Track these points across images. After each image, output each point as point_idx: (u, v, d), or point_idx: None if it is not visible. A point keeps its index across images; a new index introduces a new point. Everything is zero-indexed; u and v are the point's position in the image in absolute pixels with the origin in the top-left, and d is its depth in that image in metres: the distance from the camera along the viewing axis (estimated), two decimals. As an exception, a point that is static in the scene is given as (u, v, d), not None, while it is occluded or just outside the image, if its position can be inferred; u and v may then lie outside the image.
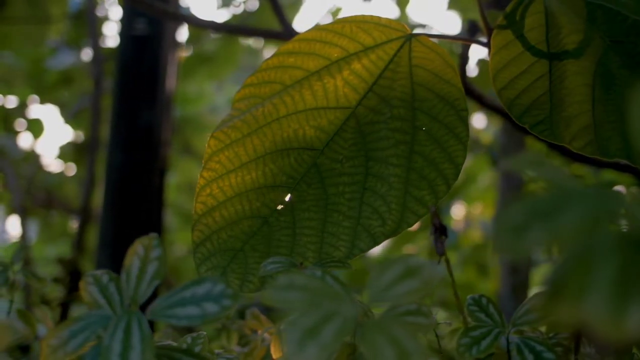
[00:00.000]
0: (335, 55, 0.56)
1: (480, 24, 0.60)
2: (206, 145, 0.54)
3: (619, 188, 2.22)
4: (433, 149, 0.52)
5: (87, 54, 2.17)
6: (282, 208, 0.53)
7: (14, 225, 3.72)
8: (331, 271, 0.36)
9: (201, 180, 0.53)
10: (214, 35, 2.29)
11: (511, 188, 1.75)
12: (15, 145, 2.08)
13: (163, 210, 1.41)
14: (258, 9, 2.27)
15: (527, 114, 0.51)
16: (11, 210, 2.30)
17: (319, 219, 0.52)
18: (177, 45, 1.50)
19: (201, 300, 0.37)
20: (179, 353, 0.40)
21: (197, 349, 0.46)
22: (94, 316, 0.38)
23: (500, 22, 0.56)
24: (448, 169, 0.52)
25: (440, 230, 0.44)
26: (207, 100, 2.78)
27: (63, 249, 2.46)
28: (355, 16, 0.57)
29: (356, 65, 0.55)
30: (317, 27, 0.56)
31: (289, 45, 0.56)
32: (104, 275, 0.41)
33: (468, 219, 2.82)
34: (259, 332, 0.68)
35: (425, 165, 0.52)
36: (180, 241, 2.50)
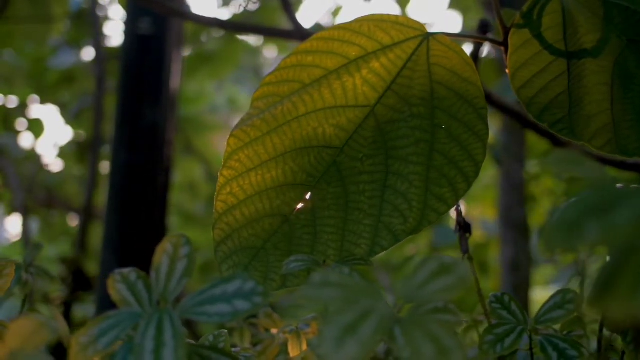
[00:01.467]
0: (354, 54, 0.56)
1: (496, 22, 0.60)
2: (226, 143, 0.54)
3: (620, 186, 2.23)
4: (453, 147, 0.52)
5: (87, 54, 2.17)
6: (302, 206, 0.53)
7: (13, 225, 3.72)
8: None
9: (221, 179, 0.53)
10: (214, 35, 2.29)
11: (512, 187, 1.75)
12: (16, 144, 2.08)
13: (167, 210, 1.40)
14: (259, 9, 2.27)
15: (546, 112, 0.52)
16: (12, 210, 2.29)
17: (340, 217, 0.52)
18: (181, 44, 1.50)
19: (232, 298, 0.37)
20: (207, 350, 0.40)
21: (219, 347, 0.46)
22: (124, 314, 0.38)
23: (517, 21, 0.56)
24: (468, 167, 0.52)
25: (465, 228, 0.44)
26: (206, 100, 2.78)
27: (63, 248, 2.46)
28: (373, 15, 0.57)
29: (375, 64, 0.55)
30: (335, 26, 0.57)
31: (307, 44, 0.57)
32: (131, 273, 0.41)
33: (468, 218, 2.82)
34: (272, 330, 0.68)
35: (445, 164, 0.52)
36: (181, 240, 2.49)
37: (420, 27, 0.57)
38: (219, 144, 2.79)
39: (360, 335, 0.28)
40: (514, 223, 1.77)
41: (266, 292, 0.37)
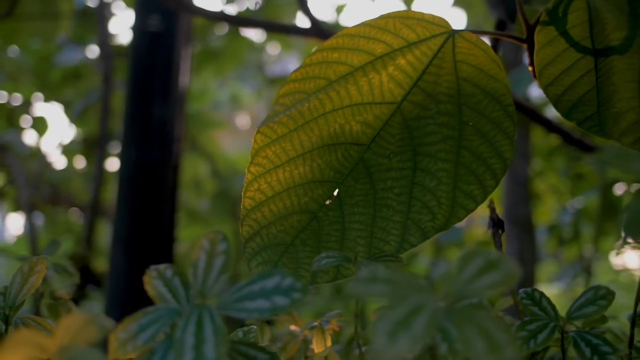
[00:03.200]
0: (379, 50, 0.56)
1: (520, 20, 0.60)
2: (253, 140, 0.54)
3: (620, 185, 2.23)
4: (480, 144, 0.52)
5: (92, 51, 2.17)
6: (330, 203, 0.53)
7: (14, 222, 3.71)
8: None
9: (249, 176, 0.53)
10: (217, 32, 2.29)
11: (517, 184, 1.75)
12: (22, 141, 2.08)
13: (177, 207, 1.40)
14: (263, 6, 2.27)
15: (575, 110, 0.52)
16: (16, 206, 2.29)
17: (368, 214, 0.52)
18: (189, 41, 1.50)
19: (270, 294, 0.37)
20: (244, 346, 0.40)
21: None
22: (162, 310, 0.38)
23: (543, 18, 0.56)
24: (496, 164, 0.52)
25: (498, 224, 0.44)
26: (209, 97, 2.78)
27: (67, 245, 2.46)
28: (399, 12, 0.57)
29: (401, 61, 0.55)
30: (361, 23, 0.57)
31: (333, 41, 0.57)
32: (167, 270, 0.41)
33: (472, 216, 2.82)
34: (291, 327, 0.68)
35: (473, 160, 0.52)
36: (185, 238, 2.50)
37: (445, 24, 0.57)
38: (222, 141, 2.79)
39: (413, 330, 0.28)
40: (519, 220, 1.77)
41: (304, 288, 0.37)
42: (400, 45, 0.56)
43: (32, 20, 1.53)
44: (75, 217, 2.46)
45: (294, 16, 2.40)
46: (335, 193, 0.53)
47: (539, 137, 2.03)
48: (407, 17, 0.57)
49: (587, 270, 1.95)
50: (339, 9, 2.61)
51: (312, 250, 0.52)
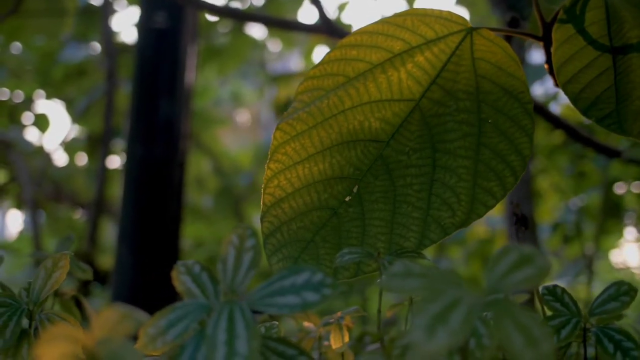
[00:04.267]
0: (398, 48, 0.56)
1: (536, 17, 0.61)
2: (272, 137, 0.54)
3: (621, 184, 2.23)
4: (499, 141, 0.53)
5: (95, 48, 2.17)
6: (350, 199, 0.53)
7: (14, 220, 3.71)
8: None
9: (268, 172, 0.53)
10: (221, 30, 2.29)
11: (519, 182, 1.76)
12: (25, 139, 2.08)
13: (183, 204, 1.41)
14: (264, 3, 2.27)
15: (594, 107, 0.52)
16: (18, 203, 2.29)
17: (388, 210, 0.52)
18: (195, 38, 1.50)
19: (301, 289, 0.37)
20: (273, 342, 0.40)
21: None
22: (191, 305, 0.39)
23: (561, 16, 0.57)
24: (515, 161, 0.52)
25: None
26: (211, 94, 2.78)
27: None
28: (416, 9, 0.57)
29: (419, 58, 0.56)
30: (379, 20, 0.57)
31: (351, 38, 0.57)
32: (195, 265, 0.41)
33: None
34: (305, 324, 0.69)
35: (493, 157, 0.52)
36: (187, 235, 2.50)
37: (463, 21, 0.57)
38: (223, 139, 2.80)
39: (451, 324, 0.29)
40: (521, 218, 1.77)
41: (334, 283, 0.37)
42: (419, 43, 0.56)
43: (37, 17, 1.52)
44: (78, 214, 2.46)
45: (295, 14, 2.40)
46: (354, 190, 0.53)
47: (542, 135, 2.04)
48: (424, 15, 0.57)
49: (589, 268, 1.95)
50: (341, 7, 2.61)
51: (332, 247, 0.52)
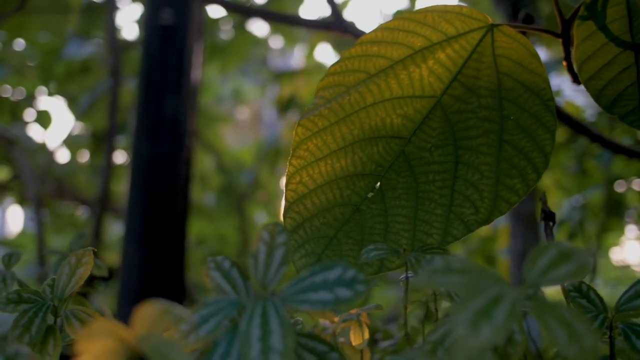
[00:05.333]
0: (419, 44, 0.56)
1: (555, 14, 0.61)
2: (294, 133, 0.54)
3: (621, 182, 2.23)
4: (522, 138, 0.53)
5: (99, 45, 2.16)
6: (372, 196, 0.53)
7: (14, 217, 3.70)
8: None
9: (290, 168, 0.53)
10: (224, 27, 2.29)
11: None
12: (28, 136, 2.07)
13: (189, 201, 1.40)
14: (268, 1, 2.26)
15: (616, 104, 0.52)
16: (20, 200, 2.29)
17: (411, 207, 0.52)
18: (201, 35, 1.49)
19: (333, 285, 0.37)
20: (304, 338, 0.40)
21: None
22: (223, 301, 0.38)
23: (582, 13, 0.57)
24: (537, 158, 0.52)
25: (549, 217, 0.44)
26: (213, 91, 2.78)
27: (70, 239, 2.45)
28: (437, 6, 0.57)
29: (440, 55, 0.56)
30: (400, 17, 0.57)
31: (372, 34, 0.57)
32: (225, 261, 0.41)
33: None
34: (320, 320, 0.69)
35: (515, 154, 0.52)
36: (190, 233, 2.49)
37: (483, 18, 0.57)
38: (224, 136, 2.79)
39: (495, 320, 0.29)
40: (524, 216, 1.78)
41: (367, 280, 0.37)
42: (440, 39, 0.56)
43: (42, 14, 1.52)
44: (80, 211, 2.46)
45: (296, 10, 2.39)
46: (377, 186, 0.53)
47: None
48: (445, 11, 0.57)
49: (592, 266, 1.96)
50: (344, 5, 2.61)
51: (355, 243, 0.52)
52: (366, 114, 0.54)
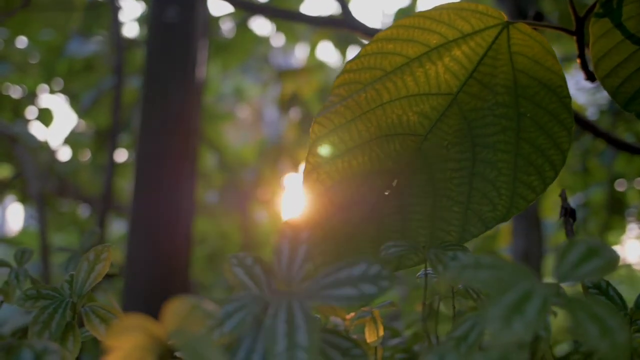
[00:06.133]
0: (434, 41, 0.56)
1: (569, 11, 0.61)
2: (310, 130, 0.54)
3: (621, 181, 2.24)
4: (538, 135, 0.53)
5: (102, 43, 2.16)
6: (389, 193, 0.53)
7: (15, 214, 3.70)
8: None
9: (307, 166, 0.53)
10: (227, 25, 2.28)
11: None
12: (30, 133, 2.07)
13: (195, 199, 1.40)
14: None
15: (634, 101, 0.52)
16: (22, 198, 2.28)
17: (428, 204, 0.53)
18: (206, 32, 1.49)
19: (358, 281, 0.37)
20: (328, 334, 0.40)
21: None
22: (246, 297, 0.38)
23: (597, 10, 0.57)
24: (554, 155, 0.52)
25: (570, 213, 0.44)
26: (215, 89, 2.78)
27: (73, 237, 2.45)
28: (452, 3, 0.57)
29: (456, 52, 0.56)
30: (415, 14, 0.57)
31: (387, 32, 0.57)
32: (247, 257, 0.41)
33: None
34: (331, 318, 0.69)
35: (532, 152, 0.52)
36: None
37: (498, 15, 0.57)
38: (228, 134, 2.79)
39: (527, 315, 0.29)
40: (526, 214, 1.78)
41: (391, 276, 0.37)
42: (455, 37, 0.56)
43: (46, 11, 1.52)
44: (81, 209, 2.45)
45: (297, 7, 2.39)
46: (394, 183, 0.54)
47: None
48: (460, 9, 0.57)
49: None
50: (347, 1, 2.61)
51: (372, 241, 0.52)
52: (382, 111, 0.54)
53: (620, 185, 2.22)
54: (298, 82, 2.36)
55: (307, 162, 0.54)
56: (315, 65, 2.48)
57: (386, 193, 0.53)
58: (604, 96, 2.03)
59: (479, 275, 0.31)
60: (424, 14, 0.57)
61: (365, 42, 2.12)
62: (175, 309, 0.31)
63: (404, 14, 2.54)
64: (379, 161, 0.54)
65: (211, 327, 0.38)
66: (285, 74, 2.35)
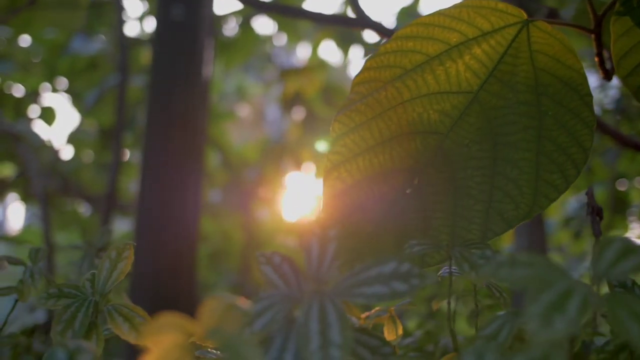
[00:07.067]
0: (454, 39, 0.56)
1: (588, 10, 0.61)
2: (330, 129, 0.54)
3: (623, 180, 2.24)
4: (560, 133, 0.53)
5: (104, 41, 2.15)
6: (411, 191, 0.53)
7: (15, 213, 3.69)
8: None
9: (328, 164, 0.53)
10: (230, 24, 2.28)
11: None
12: (34, 132, 2.06)
13: (201, 198, 1.40)
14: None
15: (655, 100, 0.52)
16: (24, 196, 2.28)
17: (450, 203, 0.52)
18: (212, 31, 1.49)
19: (388, 279, 0.37)
20: (356, 332, 0.40)
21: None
22: (276, 296, 0.38)
23: (617, 8, 0.56)
24: (576, 154, 0.52)
25: (597, 211, 0.44)
26: (217, 88, 2.77)
27: (75, 235, 2.45)
28: (472, 1, 0.57)
29: (476, 50, 0.56)
30: (435, 12, 0.57)
31: (407, 30, 0.57)
32: (275, 256, 0.41)
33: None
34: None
35: (554, 150, 0.52)
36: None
37: (518, 13, 0.57)
38: (231, 133, 2.79)
39: (568, 314, 0.29)
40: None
41: (422, 274, 0.37)
42: (475, 35, 0.56)
43: (51, 10, 1.51)
44: (83, 207, 2.45)
45: (300, 6, 2.39)
46: (415, 182, 0.53)
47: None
48: (480, 7, 0.57)
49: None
50: (347, 2, 2.60)
51: (394, 239, 0.52)
52: (403, 109, 0.54)
53: (621, 185, 2.22)
54: (301, 81, 2.35)
55: (328, 160, 0.54)
56: (317, 64, 2.48)
57: (407, 191, 0.53)
58: (607, 95, 2.03)
59: (516, 273, 0.31)
60: (444, 12, 0.57)
61: (371, 41, 2.11)
62: (211, 307, 0.30)
63: (406, 13, 2.54)
64: (400, 159, 0.54)
65: (242, 325, 0.37)
66: (288, 73, 2.35)
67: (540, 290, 0.30)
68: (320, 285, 0.38)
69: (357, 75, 0.56)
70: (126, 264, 0.47)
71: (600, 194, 2.28)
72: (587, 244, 2.37)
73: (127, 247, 0.48)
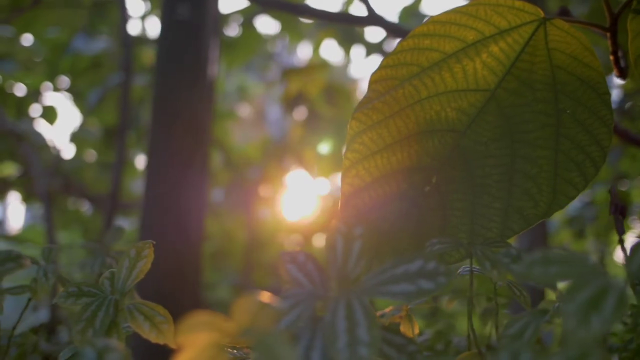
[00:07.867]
0: (471, 37, 0.56)
1: (604, 8, 0.60)
2: (348, 126, 0.54)
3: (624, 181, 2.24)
4: (578, 131, 0.53)
5: (108, 41, 2.15)
6: (429, 189, 0.53)
7: (16, 212, 3.69)
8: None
9: (346, 162, 0.53)
10: (233, 23, 2.28)
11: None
12: (37, 132, 2.06)
13: (206, 200, 1.40)
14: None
15: (674, 97, 0.52)
16: (26, 195, 2.27)
17: (468, 201, 0.52)
18: (217, 30, 1.49)
19: (415, 277, 0.37)
20: (382, 330, 0.40)
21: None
22: (301, 294, 0.38)
23: (635, 6, 0.56)
24: (595, 152, 0.52)
25: (620, 210, 0.44)
26: (219, 87, 2.77)
27: (76, 235, 2.45)
28: (489, -1, 0.57)
29: (493, 48, 0.55)
30: (452, 10, 0.56)
31: (424, 28, 0.56)
32: (299, 254, 0.40)
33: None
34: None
35: (573, 148, 0.52)
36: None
37: (535, 11, 0.57)
38: (233, 132, 2.79)
39: (604, 312, 0.29)
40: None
41: (449, 271, 0.37)
42: (492, 33, 0.56)
43: (54, 9, 1.51)
44: (85, 207, 2.45)
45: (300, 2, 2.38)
46: (433, 180, 0.53)
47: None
48: (497, 5, 0.56)
49: (600, 263, 1.97)
50: (349, 3, 2.60)
51: (412, 237, 0.52)
52: (421, 107, 0.54)
53: (621, 184, 2.22)
54: (303, 81, 2.35)
55: (346, 158, 0.53)
56: (320, 64, 2.48)
57: (426, 190, 0.53)
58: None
59: (549, 271, 0.31)
60: (460, 10, 0.57)
61: (373, 41, 2.10)
62: (245, 306, 0.30)
63: (408, 12, 2.54)
64: (418, 157, 0.53)
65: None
66: (290, 72, 2.35)
67: (576, 289, 0.30)
68: (345, 283, 0.38)
69: (374, 73, 0.56)
70: (146, 263, 0.47)
71: (601, 194, 2.28)
72: (589, 243, 2.37)
73: (147, 246, 0.48)
